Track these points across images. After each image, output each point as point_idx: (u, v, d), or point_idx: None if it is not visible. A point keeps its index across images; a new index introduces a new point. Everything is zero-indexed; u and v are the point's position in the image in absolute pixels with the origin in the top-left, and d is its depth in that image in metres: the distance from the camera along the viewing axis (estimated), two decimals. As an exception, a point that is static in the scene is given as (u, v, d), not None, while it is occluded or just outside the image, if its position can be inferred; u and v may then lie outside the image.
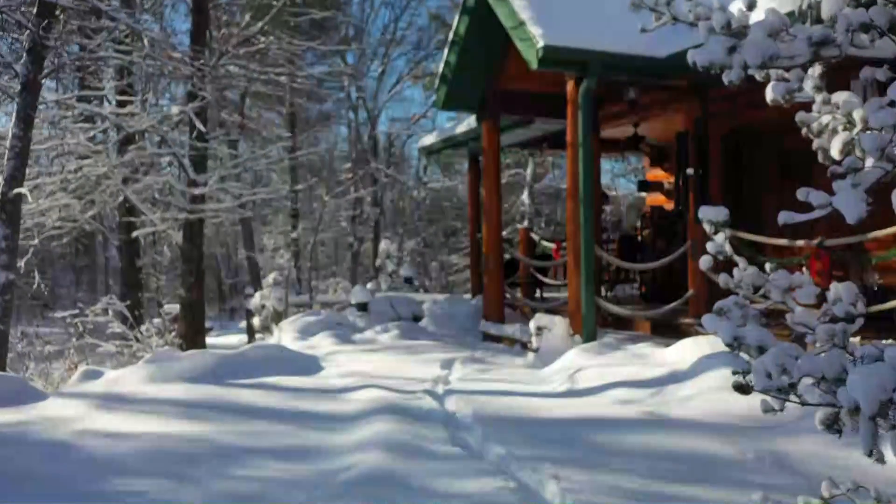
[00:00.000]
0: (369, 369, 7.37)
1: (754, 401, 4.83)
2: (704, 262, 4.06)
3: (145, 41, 9.95)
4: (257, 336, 14.74)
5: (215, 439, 5.05)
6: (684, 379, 5.38)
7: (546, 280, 12.09)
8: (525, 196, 24.69)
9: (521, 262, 11.75)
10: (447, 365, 7.54)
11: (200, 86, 11.97)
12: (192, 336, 12.55)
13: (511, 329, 9.33)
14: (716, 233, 4.26)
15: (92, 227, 15.09)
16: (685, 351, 6.43)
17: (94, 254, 20.07)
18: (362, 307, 10.23)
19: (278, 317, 12.11)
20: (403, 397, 5.99)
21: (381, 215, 29.17)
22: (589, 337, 7.99)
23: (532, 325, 8.02)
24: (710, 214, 4.30)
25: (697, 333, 8.59)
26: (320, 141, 32.27)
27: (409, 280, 12.52)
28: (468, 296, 17.42)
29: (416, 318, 11.03)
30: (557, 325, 7.98)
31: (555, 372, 6.81)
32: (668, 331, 8.96)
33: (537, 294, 12.48)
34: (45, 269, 31.68)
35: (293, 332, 9.42)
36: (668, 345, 8.18)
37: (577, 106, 8.23)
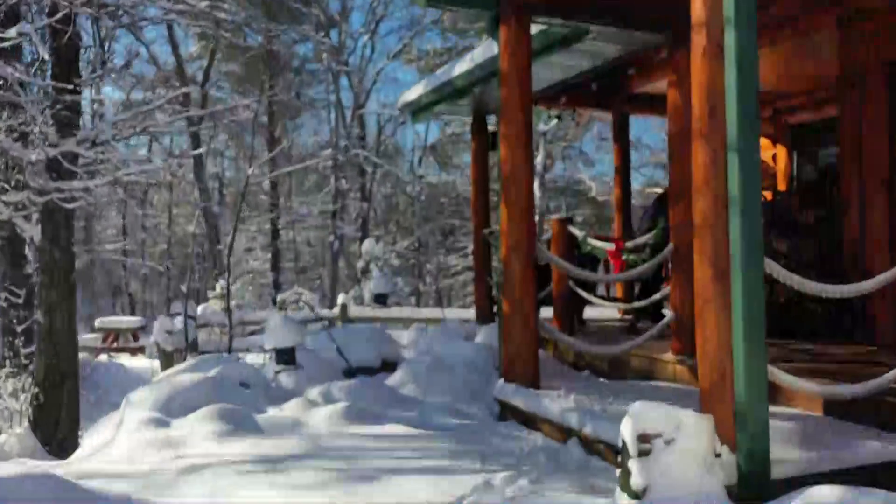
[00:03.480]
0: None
1: None
2: None
3: None
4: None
5: None
6: None
7: (592, 298, 7.40)
8: (535, 187, 19.93)
9: (556, 268, 7.09)
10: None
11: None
12: (56, 383, 7.87)
13: (556, 406, 4.63)
14: None
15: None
16: None
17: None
18: (285, 357, 5.48)
19: (168, 361, 7.42)
20: None
21: (369, 210, 24.46)
22: (758, 459, 3.31)
23: (627, 430, 3.31)
24: None
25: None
26: (301, 127, 27.61)
27: (381, 298, 7.84)
28: (469, 312, 12.73)
29: (389, 366, 6.36)
30: (686, 432, 3.28)
31: None
32: (862, 416, 4.28)
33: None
34: None
35: (147, 411, 4.76)
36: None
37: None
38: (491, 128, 8.87)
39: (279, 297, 12.82)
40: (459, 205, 29.06)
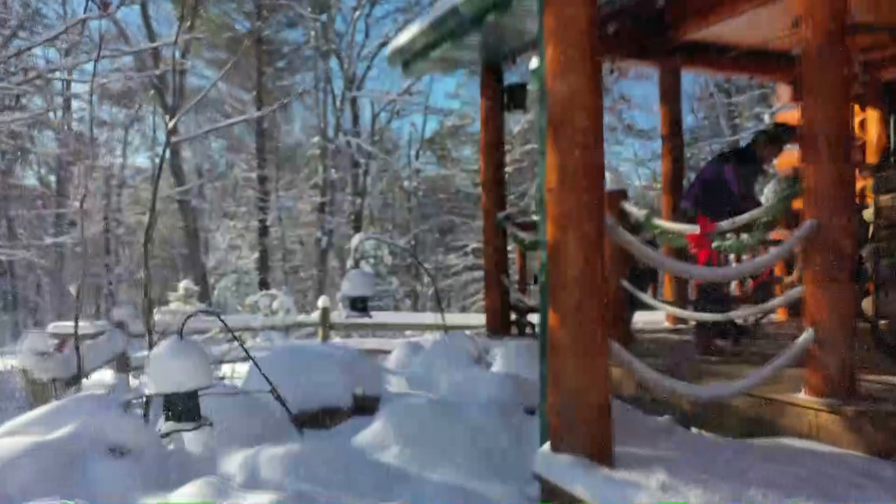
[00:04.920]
0: None
1: None
2: None
3: None
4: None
5: None
6: None
7: (663, 306, 5.17)
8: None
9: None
10: None
11: None
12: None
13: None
14: None
15: None
16: None
17: None
18: (182, 407, 3.22)
19: (41, 396, 5.16)
20: None
21: (363, 205, 22.18)
22: None
23: None
24: None
25: None
26: (295, 118, 25.37)
27: (359, 304, 5.62)
28: (473, 318, 10.49)
29: (365, 405, 4.12)
30: None
31: None
32: None
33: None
34: None
35: None
36: None
37: None
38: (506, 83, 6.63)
39: (249, 299, 10.57)
40: (459, 201, 26.84)
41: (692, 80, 19.77)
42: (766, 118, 14.59)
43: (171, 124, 4.59)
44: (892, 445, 3.21)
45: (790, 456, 3.20)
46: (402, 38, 6.51)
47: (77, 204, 5.70)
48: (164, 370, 2.97)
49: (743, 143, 5.98)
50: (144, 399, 3.87)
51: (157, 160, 19.56)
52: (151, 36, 19.02)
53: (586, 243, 2.92)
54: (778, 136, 5.69)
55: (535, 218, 5.90)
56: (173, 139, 5.23)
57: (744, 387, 3.34)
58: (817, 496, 2.57)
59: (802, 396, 3.59)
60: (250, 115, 14.70)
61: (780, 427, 3.72)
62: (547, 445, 3.09)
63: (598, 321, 2.92)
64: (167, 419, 3.00)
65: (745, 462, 3.02)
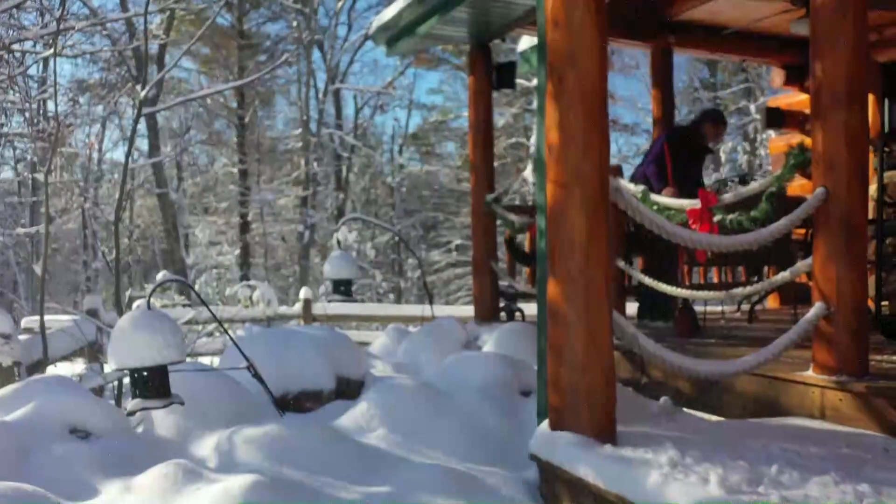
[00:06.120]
0: None
1: None
2: None
3: None
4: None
5: None
6: None
7: (643, 277, 4.95)
8: (529, 172, 17.41)
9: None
10: None
11: None
12: None
13: (679, 491, 2.19)
14: None
15: None
16: None
17: None
18: (149, 383, 2.92)
19: (6, 379, 4.90)
20: None
21: (346, 201, 21.85)
22: None
23: None
24: None
25: None
26: (277, 113, 24.98)
27: (343, 287, 5.37)
28: (460, 310, 10.27)
29: (348, 388, 3.88)
30: None
31: None
32: None
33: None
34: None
35: None
36: None
37: None
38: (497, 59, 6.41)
39: (228, 291, 10.26)
40: (443, 197, 26.59)
41: (676, 75, 19.66)
42: (752, 109, 14.52)
43: (143, 94, 4.32)
44: (910, 423, 3.02)
45: (802, 434, 3.00)
46: (387, 13, 6.26)
47: (41, 177, 5.38)
48: (128, 343, 2.70)
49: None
50: (117, 383, 3.60)
51: (132, 138, 19.08)
52: (130, 24, 18.55)
53: (590, 202, 2.70)
54: (720, 116, 5.65)
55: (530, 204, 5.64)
56: (146, 110, 4.97)
57: (754, 362, 3.14)
58: (841, 474, 2.36)
59: (810, 374, 3.40)
60: (229, 84, 14.33)
61: (785, 407, 3.53)
62: (545, 424, 2.86)
63: (602, 286, 2.70)
64: (135, 396, 2.74)
65: (756, 441, 2.81)
